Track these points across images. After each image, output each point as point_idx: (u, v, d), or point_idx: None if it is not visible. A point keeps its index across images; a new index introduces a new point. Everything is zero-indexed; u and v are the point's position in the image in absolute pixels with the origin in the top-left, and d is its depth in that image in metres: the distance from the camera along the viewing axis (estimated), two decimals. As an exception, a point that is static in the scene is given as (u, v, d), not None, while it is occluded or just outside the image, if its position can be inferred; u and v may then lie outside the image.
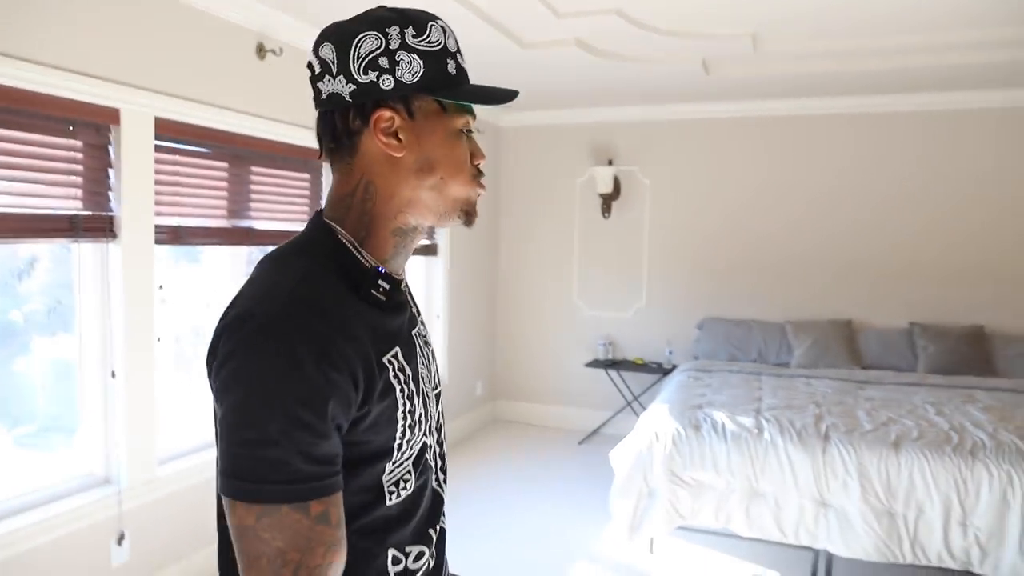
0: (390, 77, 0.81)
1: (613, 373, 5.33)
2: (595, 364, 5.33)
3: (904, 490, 2.88)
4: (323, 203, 0.96)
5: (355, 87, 0.82)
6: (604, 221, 5.51)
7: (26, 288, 2.73)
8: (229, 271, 3.33)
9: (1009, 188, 4.57)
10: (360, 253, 0.86)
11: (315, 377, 0.72)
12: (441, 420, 1.00)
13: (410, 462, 0.87)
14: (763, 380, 4.20)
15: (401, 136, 0.83)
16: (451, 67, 0.85)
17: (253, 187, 3.29)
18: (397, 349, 0.85)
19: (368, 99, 0.82)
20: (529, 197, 5.78)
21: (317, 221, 0.88)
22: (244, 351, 0.73)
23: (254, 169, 3.28)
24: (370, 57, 0.81)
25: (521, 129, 5.77)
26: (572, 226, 5.65)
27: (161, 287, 2.90)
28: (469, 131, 0.89)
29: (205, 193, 3.05)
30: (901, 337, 4.65)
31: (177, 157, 2.89)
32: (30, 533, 2.38)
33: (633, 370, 5.22)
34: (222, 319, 0.78)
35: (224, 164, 3.13)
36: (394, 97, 0.82)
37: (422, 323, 0.99)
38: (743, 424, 3.22)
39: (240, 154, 3.19)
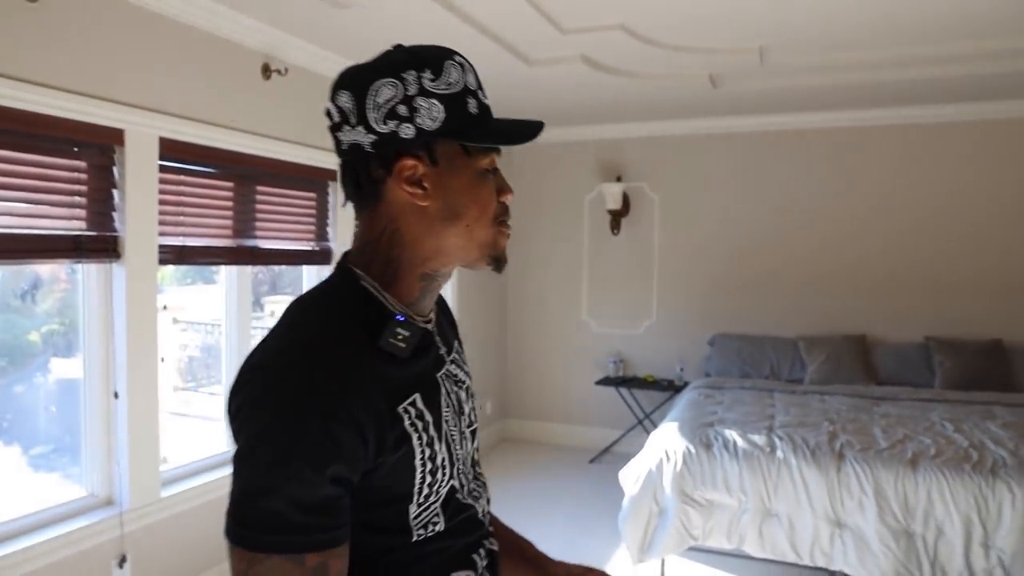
0: (410, 125, 0.80)
1: (624, 391, 5.27)
2: (605, 382, 5.27)
3: (923, 510, 2.80)
4: (339, 243, 0.93)
5: (376, 137, 0.80)
6: (613, 238, 5.47)
7: (44, 309, 2.74)
8: (236, 291, 3.31)
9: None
10: (385, 297, 0.85)
11: (318, 435, 0.72)
12: (476, 455, 0.99)
13: (437, 505, 0.86)
14: (776, 397, 4.13)
15: (426, 184, 0.82)
16: (472, 106, 0.83)
17: (259, 207, 3.29)
18: (416, 396, 0.84)
19: (389, 149, 0.81)
20: (537, 214, 5.77)
21: (342, 266, 0.88)
22: (252, 404, 0.75)
23: (260, 189, 3.29)
24: (389, 106, 0.79)
25: (528, 147, 5.75)
26: (581, 243, 5.62)
27: (165, 307, 2.90)
28: (494, 168, 0.87)
29: (210, 213, 3.06)
30: (917, 352, 4.56)
31: (182, 177, 2.90)
32: (34, 555, 2.36)
33: (644, 388, 5.16)
34: (240, 368, 0.79)
35: (230, 184, 3.13)
36: (416, 145, 0.81)
37: (454, 362, 0.97)
38: (755, 442, 3.15)
39: (246, 174, 3.19)
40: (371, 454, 0.76)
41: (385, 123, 0.79)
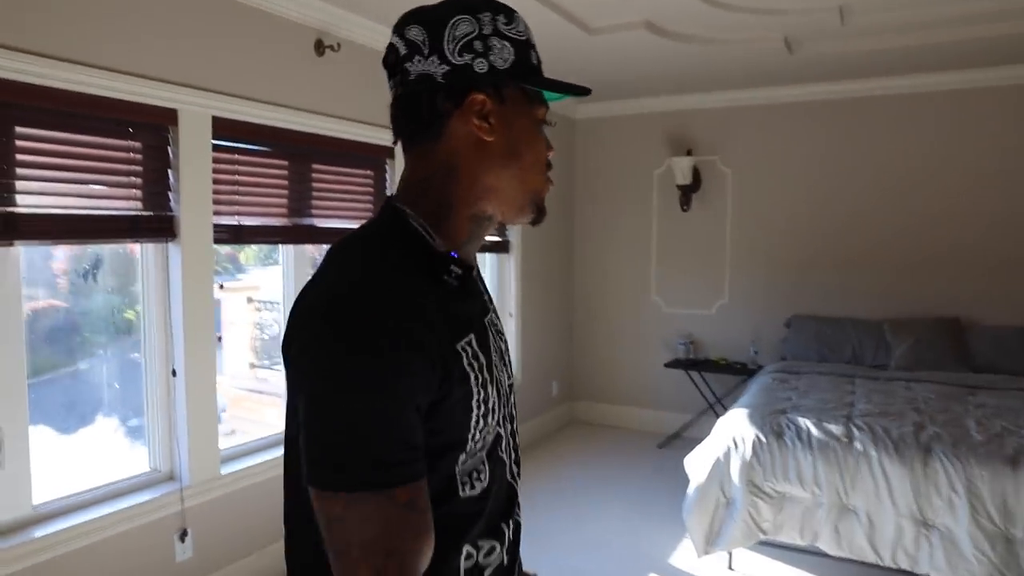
0: (484, 61, 0.82)
1: (694, 374, 5.07)
2: (675, 364, 5.08)
3: None
4: (392, 192, 0.95)
5: (449, 68, 0.81)
6: (683, 214, 5.24)
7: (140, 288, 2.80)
8: (293, 271, 3.32)
9: None
10: (432, 238, 0.84)
11: (390, 361, 0.71)
12: (514, 411, 0.97)
13: (484, 453, 0.85)
14: (857, 383, 3.85)
15: (492, 120, 0.83)
16: (534, 58, 0.87)
17: (315, 185, 3.27)
18: (472, 336, 0.84)
19: (461, 81, 0.82)
20: (604, 191, 5.59)
21: (387, 206, 0.87)
22: (316, 342, 0.73)
23: (315, 167, 3.26)
24: (465, 40, 0.81)
25: (594, 121, 5.58)
26: (650, 220, 5.41)
27: (222, 287, 2.92)
28: (545, 122, 0.90)
29: (266, 192, 3.05)
30: (1019, 336, 4.17)
31: (236, 156, 2.89)
32: (99, 526, 2.43)
33: (715, 371, 4.95)
34: (292, 311, 0.80)
35: (284, 162, 3.12)
36: (486, 82, 0.82)
37: (494, 312, 0.97)
38: (831, 432, 2.93)
39: (301, 152, 3.17)
40: (438, 381, 0.76)
41: (461, 55, 0.81)
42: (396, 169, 3.64)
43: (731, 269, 5.15)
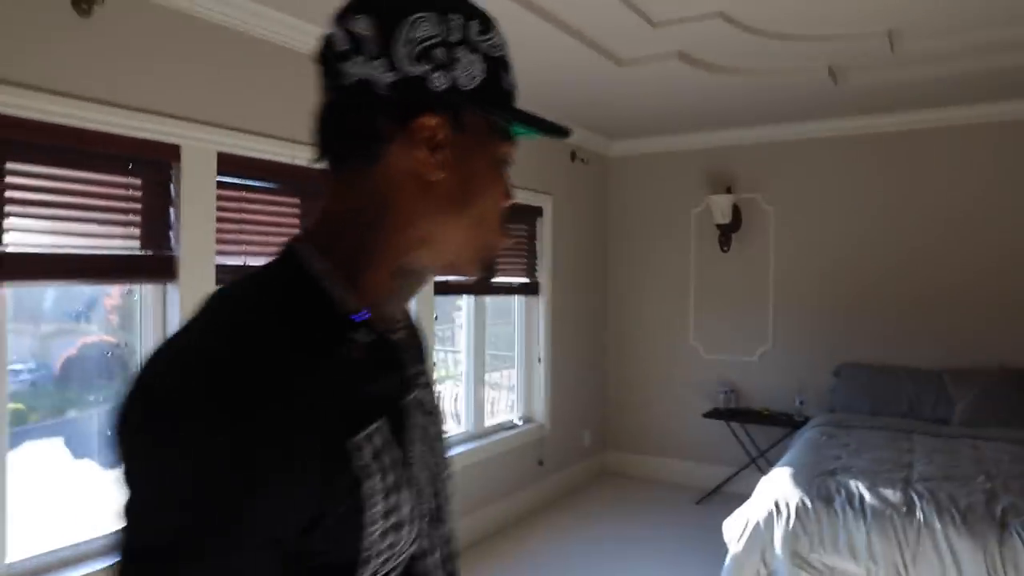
0: (445, 76, 0.63)
1: (735, 425, 4.74)
2: (715, 414, 4.77)
3: (1118, 598, 2.18)
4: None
5: (398, 78, 0.63)
6: (723, 255, 4.98)
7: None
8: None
9: None
10: (335, 293, 0.64)
11: (243, 476, 0.52)
12: (447, 513, 0.77)
13: (396, 575, 0.65)
14: (915, 441, 3.50)
15: (443, 153, 0.65)
16: (506, 82, 0.69)
17: (328, 224, 3.13)
18: (379, 423, 0.63)
19: (411, 97, 0.63)
20: (639, 231, 5.37)
21: (286, 248, 0.67)
22: (148, 440, 0.54)
23: (329, 205, 3.13)
24: (425, 44, 0.63)
25: (629, 158, 5.39)
26: (688, 261, 5.16)
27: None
28: (507, 163, 0.72)
29: (275, 231, 2.92)
30: (1100, 390, 3.77)
31: (243, 194, 2.77)
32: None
33: (758, 422, 4.62)
34: (139, 376, 0.57)
35: (295, 200, 2.99)
36: (443, 102, 0.64)
37: (427, 386, 0.77)
38: (887, 498, 2.61)
39: (313, 189, 3.04)
40: (313, 500, 0.56)
41: (417, 62, 0.62)
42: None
43: (775, 313, 4.85)
